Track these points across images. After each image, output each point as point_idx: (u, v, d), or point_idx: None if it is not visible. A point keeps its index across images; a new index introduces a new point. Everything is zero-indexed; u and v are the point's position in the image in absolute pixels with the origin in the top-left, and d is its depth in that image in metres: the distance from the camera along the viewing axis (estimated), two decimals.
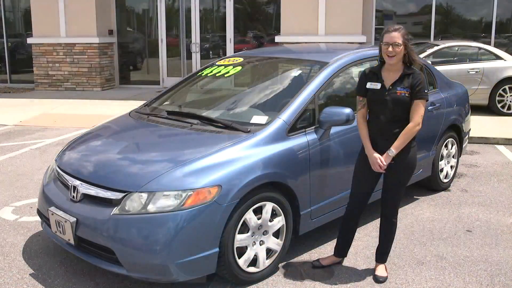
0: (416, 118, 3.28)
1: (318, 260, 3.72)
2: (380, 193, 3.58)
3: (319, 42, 10.75)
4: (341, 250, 3.71)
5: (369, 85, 3.39)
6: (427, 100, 3.34)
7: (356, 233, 3.78)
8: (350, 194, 3.60)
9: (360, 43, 10.93)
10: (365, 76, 3.44)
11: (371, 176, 3.46)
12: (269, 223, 3.47)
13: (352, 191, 3.58)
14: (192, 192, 3.11)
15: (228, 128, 3.70)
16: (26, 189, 5.42)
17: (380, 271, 3.57)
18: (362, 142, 3.45)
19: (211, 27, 13.73)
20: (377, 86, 3.36)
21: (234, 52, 12.27)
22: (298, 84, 4.18)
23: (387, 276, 3.54)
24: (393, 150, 3.30)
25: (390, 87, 3.33)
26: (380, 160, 3.31)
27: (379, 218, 3.60)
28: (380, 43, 3.35)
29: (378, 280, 3.50)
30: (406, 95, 3.28)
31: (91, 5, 12.56)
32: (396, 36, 3.26)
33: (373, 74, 3.41)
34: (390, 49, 3.25)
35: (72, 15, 12.68)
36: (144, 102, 4.90)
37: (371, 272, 3.65)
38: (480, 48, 9.64)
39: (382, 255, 3.60)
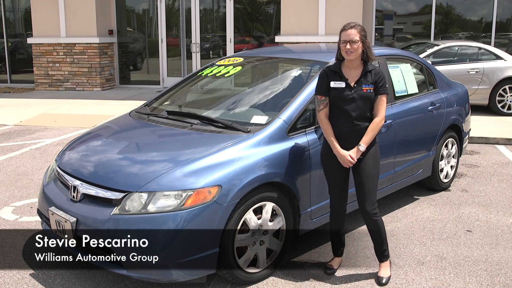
0: (381, 112, 3.38)
1: (327, 267, 3.68)
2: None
3: (319, 42, 10.75)
4: (341, 249, 3.71)
5: (332, 84, 3.39)
6: (387, 94, 3.45)
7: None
8: (330, 195, 3.59)
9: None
10: (326, 76, 3.44)
11: (343, 172, 3.47)
12: (269, 223, 3.47)
13: (330, 192, 3.58)
14: (192, 192, 3.11)
15: (228, 128, 3.70)
16: (26, 189, 5.42)
17: (383, 271, 3.55)
18: (328, 140, 3.43)
19: (211, 27, 13.73)
20: (342, 84, 3.37)
21: (234, 52, 12.28)
22: (298, 84, 4.18)
23: (390, 276, 3.52)
24: (363, 145, 3.35)
25: (355, 84, 3.36)
26: (350, 157, 3.34)
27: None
28: (338, 42, 3.38)
29: (380, 281, 3.48)
30: (371, 91, 3.36)
31: (91, 5, 12.56)
32: (353, 33, 3.30)
33: (334, 73, 3.42)
34: (348, 46, 3.29)
35: (72, 15, 12.68)
36: (144, 102, 4.90)
37: (371, 272, 3.65)
38: (480, 48, 9.64)
39: (380, 253, 3.59)
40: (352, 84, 3.37)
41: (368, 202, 3.46)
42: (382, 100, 3.39)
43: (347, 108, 3.36)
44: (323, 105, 3.44)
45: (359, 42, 3.30)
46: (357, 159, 3.37)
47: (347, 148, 3.38)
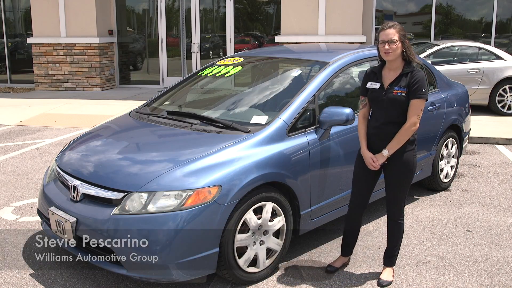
0: (412, 118, 3.21)
1: (329, 265, 3.68)
2: (383, 192, 3.57)
3: (319, 42, 10.75)
4: (347, 249, 3.70)
5: (369, 84, 3.38)
6: (426, 100, 3.25)
7: None
8: (351, 193, 3.60)
9: (360, 43, 10.93)
10: (367, 76, 3.43)
11: (369, 175, 3.44)
12: (269, 223, 3.47)
13: (352, 190, 3.58)
14: (192, 192, 3.11)
15: (228, 128, 3.70)
16: (26, 189, 5.42)
17: (386, 274, 3.53)
18: (359, 140, 3.45)
19: (211, 27, 13.73)
20: (376, 86, 3.33)
21: (234, 52, 12.28)
22: (298, 84, 4.18)
23: (391, 281, 3.49)
24: (387, 151, 3.28)
25: (388, 86, 3.29)
26: (372, 160, 3.31)
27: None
28: (376, 41, 3.32)
29: (381, 284, 3.47)
30: (403, 94, 3.22)
31: (91, 5, 12.57)
32: (391, 32, 3.21)
33: (374, 74, 3.39)
34: (387, 46, 3.20)
35: (72, 15, 12.69)
36: (144, 102, 4.90)
37: (370, 272, 3.65)
38: (480, 48, 9.64)
39: (389, 257, 3.56)
40: (385, 86, 3.30)
41: (396, 208, 3.44)
42: (414, 105, 3.20)
43: (377, 110, 3.34)
44: (362, 105, 3.45)
45: (398, 42, 3.20)
46: (382, 164, 3.32)
47: (374, 150, 3.35)
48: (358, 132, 3.46)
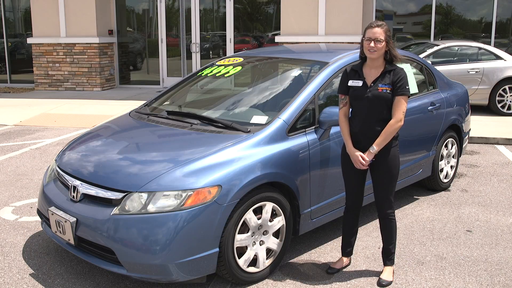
0: (398, 114, 3.27)
1: (330, 266, 3.69)
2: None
3: (319, 42, 10.75)
4: (348, 250, 3.70)
5: (350, 82, 3.38)
6: (408, 96, 3.34)
7: None
8: (345, 193, 3.61)
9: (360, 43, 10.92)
10: (346, 74, 3.44)
11: (358, 172, 3.46)
12: (269, 223, 3.47)
13: (345, 190, 3.59)
14: (192, 192, 3.11)
15: (228, 128, 3.70)
16: (26, 189, 5.42)
17: (386, 274, 3.53)
18: (343, 139, 3.45)
19: (211, 27, 13.73)
20: (359, 83, 3.35)
21: (234, 52, 12.28)
22: (298, 84, 4.18)
23: (391, 281, 3.49)
24: (374, 147, 3.30)
25: (372, 84, 3.32)
26: (361, 158, 3.32)
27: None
28: (362, 38, 3.35)
29: (381, 283, 3.47)
30: (388, 91, 3.28)
31: (91, 5, 12.57)
32: (378, 32, 3.25)
33: (355, 72, 3.41)
34: (372, 44, 3.25)
35: (72, 15, 12.69)
36: (144, 102, 4.90)
37: (370, 272, 3.65)
38: (480, 48, 9.64)
39: (387, 256, 3.56)
40: (369, 84, 3.33)
41: (385, 204, 3.45)
42: (400, 102, 3.27)
43: (360, 108, 3.34)
44: (342, 103, 3.44)
45: (384, 42, 3.25)
46: (370, 161, 3.34)
47: (360, 149, 3.36)
48: (342, 131, 3.46)
